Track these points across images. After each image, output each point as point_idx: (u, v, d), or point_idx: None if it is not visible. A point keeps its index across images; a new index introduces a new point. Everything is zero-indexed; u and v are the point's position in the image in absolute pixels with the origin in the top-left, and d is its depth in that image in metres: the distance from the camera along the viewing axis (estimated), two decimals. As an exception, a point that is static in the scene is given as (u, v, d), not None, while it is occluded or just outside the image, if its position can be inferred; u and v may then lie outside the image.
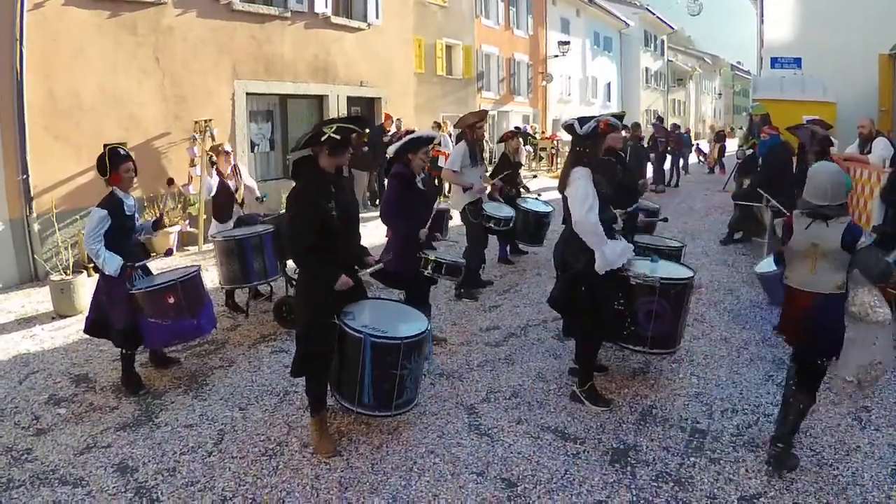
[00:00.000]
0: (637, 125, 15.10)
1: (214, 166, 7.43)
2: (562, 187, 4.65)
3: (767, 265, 6.14)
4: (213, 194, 7.41)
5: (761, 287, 6.69)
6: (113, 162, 5.05)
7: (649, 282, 4.83)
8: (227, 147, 7.62)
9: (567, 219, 4.65)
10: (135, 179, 5.27)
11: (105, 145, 5.23)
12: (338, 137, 3.92)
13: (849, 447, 4.17)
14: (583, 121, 4.55)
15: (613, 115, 4.76)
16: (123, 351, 5.19)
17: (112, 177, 5.07)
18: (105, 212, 4.96)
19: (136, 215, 5.36)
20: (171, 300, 5.12)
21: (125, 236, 5.16)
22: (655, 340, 4.96)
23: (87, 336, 5.69)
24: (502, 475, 3.92)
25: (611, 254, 4.44)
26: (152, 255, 9.15)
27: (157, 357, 5.67)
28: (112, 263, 4.94)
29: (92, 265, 8.40)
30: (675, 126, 20.41)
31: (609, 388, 5.06)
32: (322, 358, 4.08)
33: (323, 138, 3.91)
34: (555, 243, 4.98)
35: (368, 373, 3.98)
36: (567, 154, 4.78)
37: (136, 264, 5.27)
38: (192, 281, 5.34)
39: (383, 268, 4.51)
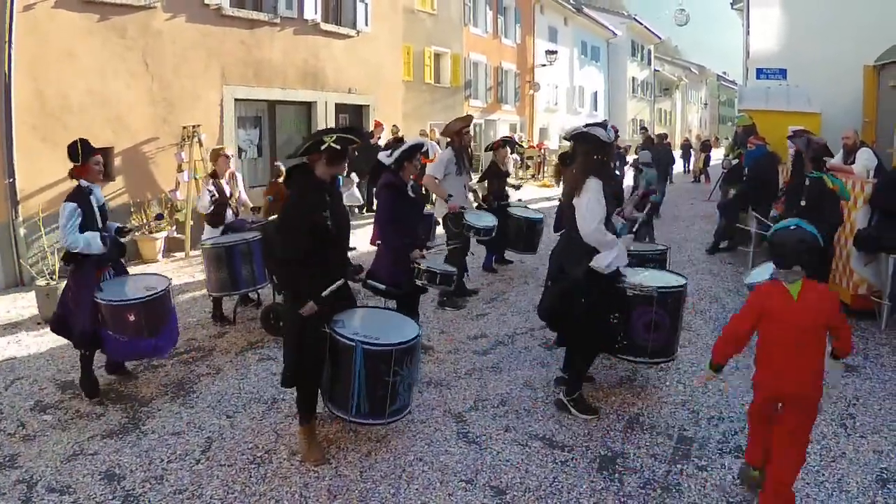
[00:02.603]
0: (665, 135, 16.81)
1: (211, 180, 7.12)
2: (570, 195, 4.56)
3: (757, 275, 6.16)
4: (210, 209, 7.04)
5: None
6: (84, 151, 5.01)
7: (646, 292, 4.85)
8: (229, 151, 7.39)
9: (570, 226, 4.58)
10: (102, 175, 5.30)
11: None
12: (338, 147, 3.93)
13: (834, 454, 4.22)
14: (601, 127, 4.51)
15: (597, 124, 4.75)
16: (83, 352, 5.12)
17: (81, 168, 5.03)
18: (74, 204, 4.93)
19: (106, 209, 5.32)
20: (132, 318, 5.01)
21: (96, 229, 5.09)
22: (656, 350, 4.99)
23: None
24: (491, 483, 3.93)
25: (616, 255, 4.40)
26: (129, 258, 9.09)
27: (114, 366, 5.53)
28: (95, 242, 4.90)
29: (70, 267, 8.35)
30: (664, 136, 20.58)
31: (596, 396, 5.08)
32: (313, 368, 4.08)
33: (322, 147, 3.92)
34: (552, 249, 4.96)
35: (362, 381, 3.98)
36: (579, 161, 4.61)
37: (108, 263, 5.20)
38: (157, 300, 5.16)
39: (375, 279, 4.50)
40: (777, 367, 3.34)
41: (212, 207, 7.02)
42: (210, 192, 7.02)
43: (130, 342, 5.06)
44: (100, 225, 5.12)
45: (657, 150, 15.98)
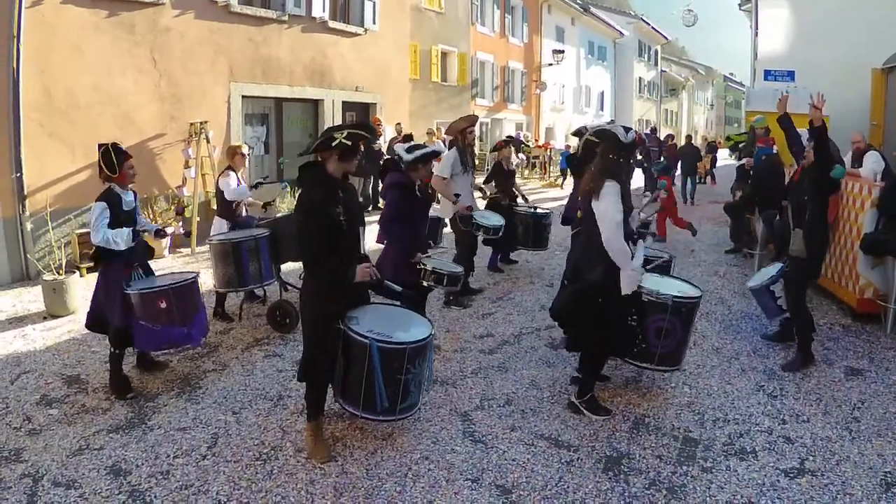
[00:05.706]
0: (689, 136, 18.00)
1: (231, 174, 7.13)
2: (587, 196, 4.52)
3: (758, 278, 6.15)
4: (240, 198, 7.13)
5: (755, 301, 6.68)
6: (119, 159, 5.08)
7: (662, 299, 4.79)
8: (245, 150, 7.49)
9: (587, 228, 4.55)
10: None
11: (100, 145, 5.21)
12: (349, 143, 3.94)
13: (839, 457, 4.21)
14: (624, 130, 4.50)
15: (622, 126, 4.72)
16: (113, 350, 5.15)
17: (117, 176, 5.09)
18: (104, 203, 4.98)
19: (138, 211, 5.39)
20: (163, 305, 5.12)
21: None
22: (663, 357, 4.94)
23: (79, 336, 5.68)
24: (497, 482, 3.93)
25: (632, 275, 4.37)
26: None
27: (145, 360, 5.62)
28: (122, 234, 4.96)
29: (86, 265, 8.38)
30: (670, 136, 20.57)
31: (602, 396, 5.07)
32: (326, 364, 4.08)
33: (334, 143, 3.92)
34: (568, 252, 4.94)
35: (375, 378, 3.98)
36: (597, 161, 4.58)
37: (136, 263, 5.26)
38: (187, 288, 5.34)
39: (382, 280, 4.47)
40: None
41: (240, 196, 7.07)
42: (237, 179, 7.09)
43: (164, 330, 5.16)
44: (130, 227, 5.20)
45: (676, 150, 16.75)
